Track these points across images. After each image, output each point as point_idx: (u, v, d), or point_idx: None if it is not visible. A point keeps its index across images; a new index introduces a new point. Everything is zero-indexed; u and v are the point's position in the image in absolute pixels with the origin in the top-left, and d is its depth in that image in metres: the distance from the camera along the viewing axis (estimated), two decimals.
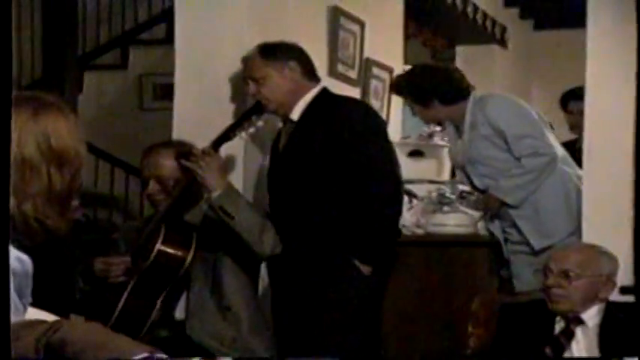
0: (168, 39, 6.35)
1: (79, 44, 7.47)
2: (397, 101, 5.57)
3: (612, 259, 3.64)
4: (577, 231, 4.47)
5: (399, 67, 5.68)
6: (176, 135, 4.34)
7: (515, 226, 4.66)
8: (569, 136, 5.84)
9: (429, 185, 5.32)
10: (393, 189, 3.96)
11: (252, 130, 3.94)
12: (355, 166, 3.88)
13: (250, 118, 3.95)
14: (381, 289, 4.01)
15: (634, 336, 3.40)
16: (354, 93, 5.15)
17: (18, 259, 1.78)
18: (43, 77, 7.19)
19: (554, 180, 4.60)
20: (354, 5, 5.21)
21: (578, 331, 3.58)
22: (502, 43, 7.81)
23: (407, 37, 6.31)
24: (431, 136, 5.55)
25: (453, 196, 5.02)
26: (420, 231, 5.04)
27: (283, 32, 4.30)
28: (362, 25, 5.32)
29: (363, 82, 5.40)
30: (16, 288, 1.77)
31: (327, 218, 3.91)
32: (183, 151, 3.86)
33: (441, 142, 5.42)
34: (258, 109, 3.99)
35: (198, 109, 4.40)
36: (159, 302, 3.72)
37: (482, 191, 4.75)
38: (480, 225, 4.88)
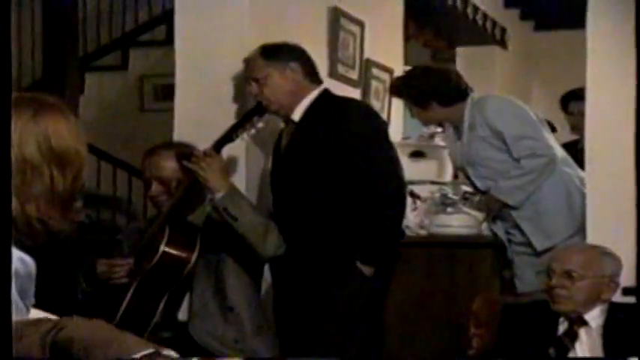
0: (169, 40, 6.36)
1: (80, 45, 7.46)
2: (398, 102, 5.56)
3: (616, 260, 3.64)
4: (579, 232, 4.47)
5: (399, 68, 5.68)
6: (177, 136, 4.34)
7: (517, 227, 4.66)
8: (570, 136, 5.85)
9: (431, 186, 5.32)
10: (395, 190, 3.95)
11: (253, 131, 3.94)
12: (357, 167, 3.88)
13: (251, 119, 3.95)
14: (383, 291, 4.01)
15: (636, 337, 3.40)
16: (355, 94, 5.15)
17: (21, 260, 1.78)
18: (43, 78, 7.18)
19: (555, 181, 4.60)
20: (354, 6, 5.21)
21: (582, 332, 3.57)
22: (502, 44, 7.82)
23: (407, 38, 6.31)
24: (432, 136, 5.55)
25: (456, 197, 5.02)
26: (423, 232, 5.04)
27: (283, 33, 4.30)
28: (362, 25, 5.32)
29: (363, 83, 5.40)
30: (18, 289, 1.77)
31: (329, 219, 3.91)
32: (185, 152, 3.86)
33: (442, 143, 5.42)
34: (260, 110, 3.99)
35: (199, 110, 4.40)
36: (162, 303, 3.72)
37: (484, 192, 4.75)
38: (484, 226, 4.88)
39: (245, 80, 4.14)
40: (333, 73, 4.99)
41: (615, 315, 3.58)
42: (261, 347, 3.78)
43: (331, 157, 3.90)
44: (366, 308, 3.92)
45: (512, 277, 4.74)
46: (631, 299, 3.75)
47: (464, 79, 4.88)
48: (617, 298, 3.68)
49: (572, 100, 5.63)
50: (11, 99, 1.81)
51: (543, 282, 3.74)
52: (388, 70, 5.60)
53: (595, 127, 4.20)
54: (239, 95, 4.36)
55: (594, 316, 3.58)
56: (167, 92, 5.66)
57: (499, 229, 4.75)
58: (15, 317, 1.73)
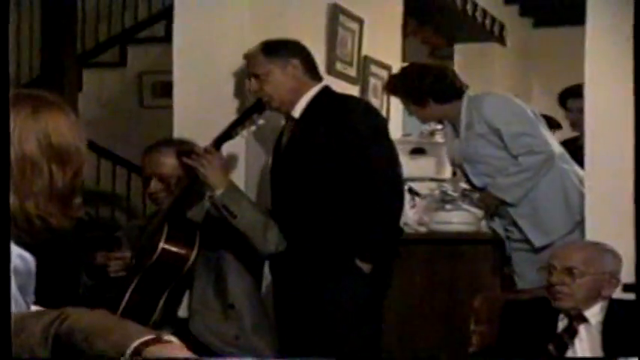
0: (168, 37, 6.36)
1: (78, 42, 7.47)
2: (397, 99, 5.56)
3: (616, 257, 3.64)
4: (577, 228, 4.48)
5: (398, 65, 5.68)
6: (176, 133, 4.34)
7: (515, 224, 4.66)
8: (569, 133, 5.85)
9: (431, 183, 5.32)
10: (394, 187, 3.95)
11: (253, 128, 3.94)
12: (355, 164, 3.88)
13: (251, 116, 3.95)
14: (382, 288, 4.01)
15: (636, 334, 3.40)
16: (353, 91, 5.15)
17: (21, 257, 1.78)
18: (42, 75, 7.19)
19: (553, 177, 4.60)
20: (353, 3, 5.20)
21: (582, 329, 3.57)
22: (501, 40, 7.82)
23: (406, 34, 6.31)
24: (432, 133, 5.55)
25: (456, 194, 5.02)
26: (423, 229, 5.04)
27: (282, 30, 4.29)
28: (361, 22, 5.31)
29: (361, 80, 5.40)
30: (18, 286, 1.77)
31: (328, 216, 3.91)
32: (185, 149, 3.86)
33: (442, 140, 5.42)
34: (259, 106, 3.99)
35: (198, 106, 4.40)
36: (162, 300, 3.72)
37: (481, 189, 4.75)
38: (483, 223, 4.88)
39: (247, 76, 4.13)
40: (331, 70, 4.99)
41: (615, 312, 3.58)
42: (261, 344, 3.78)
43: (330, 153, 3.90)
44: (364, 305, 3.92)
45: (511, 274, 4.75)
46: (631, 296, 3.74)
47: (459, 76, 4.88)
48: (617, 294, 3.68)
49: (571, 96, 5.63)
50: (9, 96, 1.81)
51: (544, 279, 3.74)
52: (387, 67, 5.60)
53: (594, 124, 4.21)
54: (239, 92, 4.36)
55: (594, 313, 3.58)
56: (166, 89, 5.64)
57: (498, 226, 4.75)
58: (14, 312, 1.73)
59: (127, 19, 8.24)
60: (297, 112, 4.03)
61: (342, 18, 5.12)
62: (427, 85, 4.69)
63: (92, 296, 3.85)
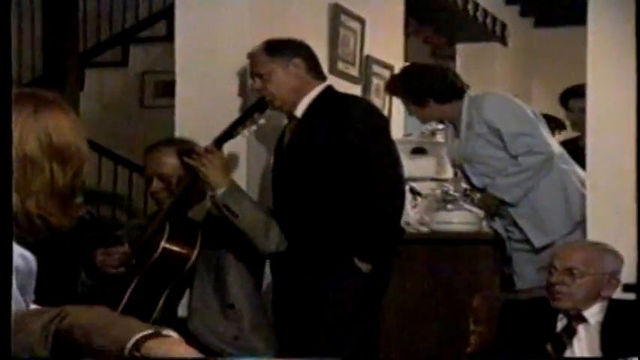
0: (169, 36, 6.36)
1: (80, 42, 7.47)
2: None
3: (617, 257, 3.63)
4: (577, 228, 4.48)
5: (400, 65, 5.67)
6: (178, 133, 4.34)
7: (515, 224, 4.66)
8: (570, 133, 5.85)
9: (432, 183, 5.32)
10: (394, 187, 3.95)
11: (254, 127, 3.94)
12: (356, 163, 3.88)
13: (253, 115, 3.95)
14: (380, 288, 4.01)
15: (636, 335, 3.40)
16: (355, 90, 5.15)
17: (22, 256, 1.78)
18: (43, 75, 7.19)
19: (552, 178, 4.60)
20: (354, 3, 5.20)
21: (581, 329, 3.57)
22: (502, 40, 7.82)
23: (407, 34, 6.32)
24: (433, 133, 5.55)
25: (457, 194, 5.02)
26: (424, 229, 5.04)
27: (284, 29, 4.29)
28: (362, 22, 5.31)
29: (363, 79, 5.40)
30: (19, 285, 1.77)
31: (328, 216, 3.91)
32: (186, 148, 3.86)
33: (443, 140, 5.42)
34: (261, 106, 3.99)
35: (200, 106, 4.40)
36: (162, 299, 3.72)
37: (481, 190, 4.75)
38: (484, 223, 4.88)
39: (250, 75, 4.13)
40: (333, 70, 4.99)
41: (615, 312, 3.57)
42: (260, 344, 3.78)
43: (332, 153, 3.90)
44: (362, 305, 3.92)
45: (511, 274, 4.74)
46: (631, 296, 3.75)
47: (460, 76, 4.88)
48: (618, 294, 3.67)
49: (572, 97, 5.63)
50: (11, 95, 1.81)
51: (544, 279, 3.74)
52: (388, 67, 5.60)
53: (596, 125, 4.20)
54: (240, 91, 4.37)
55: (593, 313, 3.58)
56: (167, 89, 5.66)
57: (498, 226, 4.75)
58: (14, 311, 1.73)
59: (129, 19, 8.25)
60: (299, 111, 4.03)
61: (343, 17, 5.12)
62: (427, 86, 4.70)
63: (92, 295, 3.85)
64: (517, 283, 4.65)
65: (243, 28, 4.38)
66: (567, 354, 3.55)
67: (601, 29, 4.14)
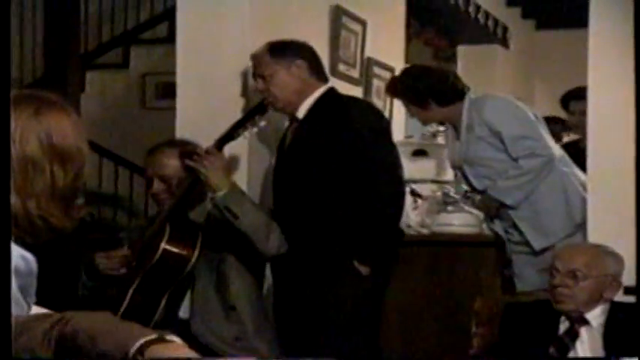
0: (170, 38, 6.35)
1: (81, 43, 7.48)
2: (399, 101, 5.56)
3: (619, 260, 3.64)
4: (577, 231, 4.48)
5: (401, 67, 5.67)
6: (179, 134, 4.34)
7: (515, 226, 4.66)
8: (572, 136, 5.85)
9: (433, 185, 5.32)
10: (394, 190, 3.95)
11: (255, 129, 3.94)
12: (356, 165, 3.88)
13: (254, 117, 3.94)
14: (380, 290, 4.01)
15: (636, 337, 3.40)
16: (356, 92, 5.15)
17: (22, 257, 1.78)
18: (45, 76, 7.19)
19: (553, 180, 4.60)
20: (356, 4, 5.21)
21: (583, 332, 3.57)
22: (504, 42, 7.82)
23: (409, 36, 6.31)
24: (434, 135, 5.55)
25: (458, 196, 5.02)
26: (425, 231, 5.04)
27: (285, 31, 4.29)
28: (364, 24, 5.32)
29: (364, 81, 5.40)
30: (20, 286, 1.77)
31: (328, 218, 3.91)
32: (187, 150, 3.86)
33: (444, 142, 5.42)
34: (262, 108, 3.99)
35: (201, 107, 4.40)
36: (163, 301, 3.72)
37: (481, 192, 4.75)
38: (485, 225, 4.88)
39: (253, 76, 4.13)
40: (334, 72, 4.99)
41: (616, 314, 3.57)
42: (262, 346, 3.78)
43: (332, 155, 3.90)
44: (362, 307, 3.92)
45: (511, 276, 4.74)
46: (631, 298, 3.74)
47: (461, 78, 4.88)
48: (619, 297, 3.67)
49: (573, 99, 5.64)
50: (10, 96, 1.81)
51: (546, 281, 3.73)
52: (390, 69, 5.60)
53: (597, 127, 4.20)
54: (241, 93, 4.37)
55: (595, 316, 3.58)
56: (169, 90, 5.65)
57: (498, 228, 4.75)
58: (16, 315, 1.74)
59: (130, 20, 8.25)
60: (301, 113, 4.03)
61: (344, 19, 5.13)
62: (428, 87, 4.70)
63: (93, 297, 3.86)
64: (518, 285, 4.65)
65: (244, 30, 4.38)
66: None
67: (602, 31, 4.14)
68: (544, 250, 4.53)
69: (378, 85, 5.51)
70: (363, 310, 3.92)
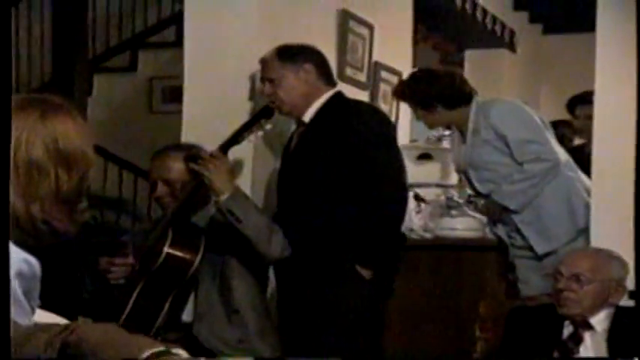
0: (178, 42, 6.36)
1: (89, 47, 7.48)
2: (406, 105, 5.56)
3: (623, 264, 3.63)
4: (579, 236, 4.47)
5: (409, 71, 5.68)
6: (185, 138, 4.35)
7: (518, 231, 4.65)
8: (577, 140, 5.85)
9: (437, 189, 5.32)
10: (397, 195, 3.95)
11: (260, 133, 3.95)
12: (359, 169, 3.88)
13: (259, 121, 3.95)
14: (383, 294, 4.01)
15: (637, 340, 3.40)
16: (363, 96, 5.15)
17: (26, 261, 1.79)
18: (52, 80, 7.19)
19: (557, 185, 4.59)
20: (363, 9, 5.21)
21: (587, 336, 3.57)
22: (511, 47, 7.82)
23: (416, 41, 6.32)
24: (439, 139, 5.55)
25: (461, 200, 5.02)
26: (428, 235, 5.04)
27: (292, 35, 4.30)
28: (371, 28, 5.32)
29: (371, 85, 5.40)
30: (23, 290, 1.77)
31: (331, 221, 3.91)
32: (192, 154, 3.86)
33: (449, 146, 5.42)
34: (267, 112, 3.99)
35: (207, 112, 4.40)
36: (167, 304, 3.72)
37: (485, 196, 4.75)
38: (488, 229, 4.88)
39: (261, 80, 4.14)
40: (341, 76, 4.99)
41: (621, 319, 3.57)
42: (265, 349, 3.78)
43: (336, 158, 3.90)
44: (364, 311, 3.92)
45: (515, 280, 4.74)
46: (632, 303, 3.74)
47: (468, 82, 4.88)
48: (623, 301, 3.67)
49: (579, 103, 5.63)
50: (18, 100, 1.82)
51: (550, 285, 3.73)
52: (397, 73, 5.60)
53: (603, 132, 4.20)
54: (248, 97, 4.37)
55: (600, 320, 3.58)
56: (176, 94, 5.65)
57: (500, 232, 4.74)
58: (20, 318, 1.74)
59: (138, 24, 8.25)
60: (307, 117, 4.04)
61: (352, 23, 5.13)
62: (436, 91, 4.70)
63: (96, 301, 3.86)
64: (521, 290, 4.64)
65: (251, 34, 4.39)
66: None
67: (610, 36, 4.14)
68: (547, 255, 4.52)
69: (385, 89, 5.51)
70: (366, 314, 3.92)
